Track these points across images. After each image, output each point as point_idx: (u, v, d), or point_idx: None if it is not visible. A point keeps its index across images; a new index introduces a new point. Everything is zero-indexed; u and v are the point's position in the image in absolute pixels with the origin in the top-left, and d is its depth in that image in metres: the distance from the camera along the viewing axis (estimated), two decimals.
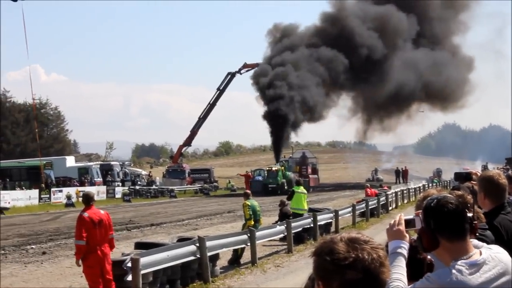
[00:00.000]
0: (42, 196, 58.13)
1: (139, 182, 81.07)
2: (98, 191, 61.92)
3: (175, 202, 63.08)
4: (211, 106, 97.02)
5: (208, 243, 17.67)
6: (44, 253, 24.93)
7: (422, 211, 4.04)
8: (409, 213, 4.49)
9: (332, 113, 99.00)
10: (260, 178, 74.37)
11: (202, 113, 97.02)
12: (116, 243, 22.46)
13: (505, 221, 6.03)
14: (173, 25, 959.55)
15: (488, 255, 3.87)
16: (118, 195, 67.53)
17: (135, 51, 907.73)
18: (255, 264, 20.54)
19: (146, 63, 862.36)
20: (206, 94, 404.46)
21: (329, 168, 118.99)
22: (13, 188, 60.05)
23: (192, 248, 17.13)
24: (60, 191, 60.90)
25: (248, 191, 23.93)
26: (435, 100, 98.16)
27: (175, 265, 16.41)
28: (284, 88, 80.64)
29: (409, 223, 4.09)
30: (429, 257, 4.06)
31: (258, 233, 21.10)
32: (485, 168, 55.17)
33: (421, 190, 52.66)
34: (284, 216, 26.21)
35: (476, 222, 4.08)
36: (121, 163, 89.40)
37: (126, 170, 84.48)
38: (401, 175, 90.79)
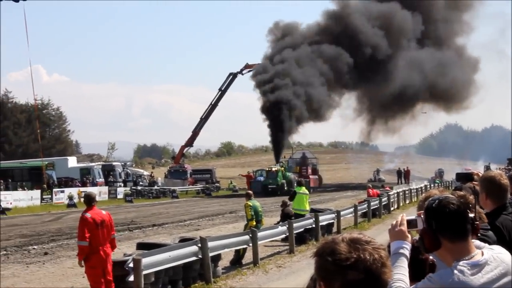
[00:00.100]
0: (44, 196, 58.17)
1: (141, 183, 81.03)
2: (100, 192, 61.98)
3: (177, 202, 63.08)
4: (213, 106, 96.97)
5: (210, 244, 17.67)
6: (46, 253, 24.94)
7: (423, 211, 4.04)
8: (411, 213, 4.49)
9: (334, 113, 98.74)
10: (261, 178, 74.07)
11: (204, 113, 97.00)
12: (118, 244, 22.48)
13: (507, 222, 6.03)
14: (175, 26, 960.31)
15: (490, 255, 3.86)
16: (120, 196, 67.54)
17: (137, 51, 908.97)
18: (257, 265, 20.54)
19: (148, 64, 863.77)
20: (208, 94, 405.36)
21: (331, 168, 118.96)
22: (15, 189, 60.11)
23: (194, 248, 17.13)
24: (62, 191, 60.95)
25: (250, 192, 23.92)
26: (440, 100, 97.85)
27: (177, 266, 16.42)
28: (288, 85, 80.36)
29: (411, 224, 4.09)
30: (431, 257, 4.06)
31: (260, 234, 21.10)
32: (487, 168, 55.06)
33: (423, 191, 52.63)
34: (286, 217, 26.20)
35: (478, 222, 4.08)
36: (123, 163, 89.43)
37: (128, 170, 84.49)
38: (403, 175, 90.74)
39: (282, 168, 74.55)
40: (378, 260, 3.06)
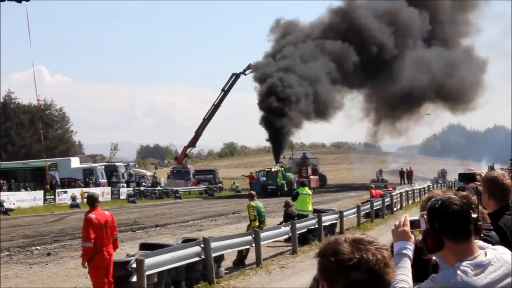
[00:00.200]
0: (47, 197, 58.20)
1: (143, 183, 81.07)
2: (102, 192, 62.03)
3: (180, 203, 63.12)
4: (215, 107, 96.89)
5: (213, 244, 17.67)
6: (49, 254, 24.95)
7: (426, 212, 4.04)
8: (414, 214, 4.50)
9: (337, 113, 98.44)
10: (263, 179, 73.91)
11: (207, 114, 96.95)
12: (121, 244, 22.48)
13: (510, 222, 6.02)
14: (178, 26, 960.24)
15: (493, 256, 3.86)
16: (123, 196, 67.59)
17: (140, 52, 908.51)
18: (260, 265, 20.54)
19: (151, 64, 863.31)
20: (211, 95, 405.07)
21: (333, 169, 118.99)
22: (18, 189, 60.10)
23: (197, 249, 17.13)
24: (65, 192, 60.97)
25: (253, 192, 23.89)
26: (447, 101, 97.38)
27: (180, 266, 16.41)
28: (290, 80, 79.86)
29: (414, 224, 4.09)
30: (434, 258, 4.05)
31: (262, 234, 21.10)
32: (491, 168, 54.99)
33: (426, 191, 52.64)
34: (289, 217, 26.21)
35: (481, 223, 4.07)
36: (125, 164, 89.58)
37: (131, 171, 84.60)
38: (406, 176, 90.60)
39: (282, 169, 74.02)
40: (381, 261, 3.07)
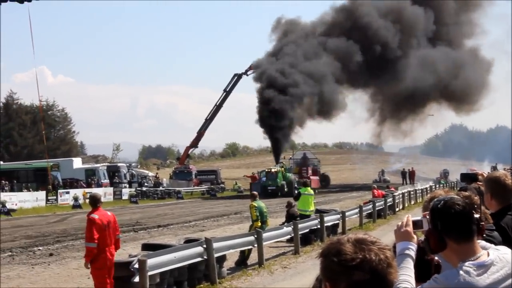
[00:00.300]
0: (49, 197, 58.20)
1: (146, 184, 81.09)
2: (105, 193, 62.04)
3: (182, 203, 63.15)
4: (217, 107, 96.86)
5: (215, 245, 17.68)
6: (51, 254, 24.97)
7: (429, 212, 4.04)
8: (416, 214, 4.50)
9: (340, 113, 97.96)
10: (265, 179, 73.39)
11: (209, 114, 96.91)
12: (123, 245, 22.49)
13: None
14: (179, 26, 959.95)
15: (496, 256, 3.86)
16: (125, 197, 67.57)
17: (141, 52, 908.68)
18: (262, 265, 20.56)
19: (153, 65, 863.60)
20: (213, 95, 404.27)
21: (336, 169, 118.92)
22: (20, 190, 60.13)
23: (199, 249, 17.14)
24: (67, 192, 60.99)
25: (255, 193, 23.92)
26: (452, 101, 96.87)
27: (182, 267, 16.43)
28: (292, 78, 79.38)
29: (416, 225, 4.08)
30: (436, 258, 4.05)
31: (265, 235, 21.12)
32: (494, 168, 54.88)
33: (428, 191, 52.62)
34: (291, 217, 26.21)
35: (483, 223, 4.08)
36: (128, 164, 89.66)
37: (133, 171, 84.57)
38: (408, 176, 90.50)
39: (282, 169, 73.13)
40: (383, 261, 3.07)
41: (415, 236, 4.06)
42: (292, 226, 23.69)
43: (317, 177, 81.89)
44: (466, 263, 3.78)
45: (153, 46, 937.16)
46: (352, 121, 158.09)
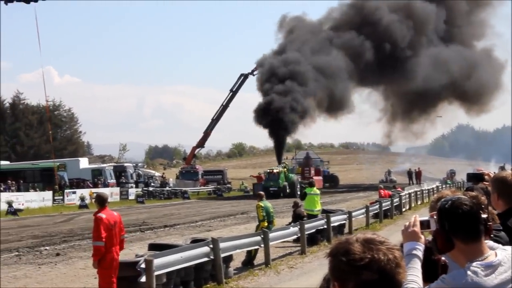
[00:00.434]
0: (55, 197, 58.28)
1: (152, 184, 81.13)
2: (111, 193, 62.04)
3: (189, 203, 63.18)
4: (224, 107, 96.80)
5: (222, 245, 17.69)
6: (58, 254, 24.99)
7: (436, 212, 4.03)
8: (423, 214, 4.50)
9: (349, 112, 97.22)
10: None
11: (215, 114, 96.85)
12: (130, 245, 22.53)
13: None
14: (185, 26, 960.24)
15: (504, 256, 3.86)
16: (132, 197, 67.63)
17: (148, 52, 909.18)
18: (269, 266, 20.56)
19: (159, 65, 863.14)
20: (219, 95, 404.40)
21: (342, 169, 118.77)
22: (27, 190, 60.22)
23: (206, 249, 17.15)
24: (74, 192, 61.07)
25: (262, 193, 23.94)
26: (465, 102, 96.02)
27: (188, 267, 16.43)
28: (297, 75, 78.28)
29: (424, 225, 4.08)
30: (443, 258, 4.05)
31: (271, 235, 21.12)
32: (502, 168, 54.74)
33: (435, 192, 52.56)
34: (298, 217, 26.21)
35: (491, 223, 4.07)
36: (134, 164, 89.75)
37: (140, 171, 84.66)
38: (415, 176, 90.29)
39: (285, 170, 72.20)
40: (392, 261, 3.07)
41: (422, 236, 4.05)
42: (299, 226, 23.69)
43: (320, 177, 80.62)
44: (474, 263, 3.77)
45: (159, 46, 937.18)
46: (359, 121, 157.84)
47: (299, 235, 23.86)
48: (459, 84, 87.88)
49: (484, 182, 8.08)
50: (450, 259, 4.02)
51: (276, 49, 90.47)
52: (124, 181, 75.60)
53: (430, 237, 4.09)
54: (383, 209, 36.77)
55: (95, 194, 17.85)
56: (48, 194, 58.35)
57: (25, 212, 49.71)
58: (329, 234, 26.63)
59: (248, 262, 21.18)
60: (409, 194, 48.18)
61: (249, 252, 21.07)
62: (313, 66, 79.69)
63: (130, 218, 40.19)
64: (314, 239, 26.14)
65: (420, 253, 3.95)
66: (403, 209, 43.35)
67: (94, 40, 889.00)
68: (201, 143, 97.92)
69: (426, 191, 57.80)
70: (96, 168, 77.19)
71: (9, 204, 49.14)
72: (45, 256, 24.63)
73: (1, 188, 56.86)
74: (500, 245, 4.07)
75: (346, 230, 29.96)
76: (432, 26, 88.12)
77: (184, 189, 75.04)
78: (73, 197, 59.76)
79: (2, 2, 41.56)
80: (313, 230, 25.68)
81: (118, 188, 70.18)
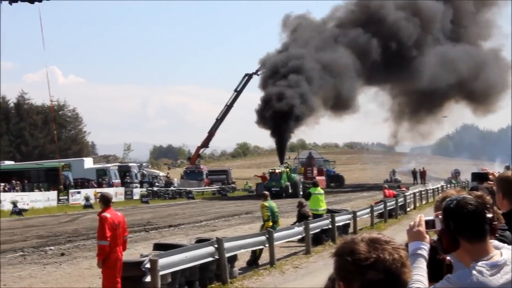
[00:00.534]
0: (60, 197, 58.39)
1: (157, 184, 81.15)
2: (116, 193, 62.08)
3: (193, 203, 63.19)
4: (228, 107, 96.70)
5: (226, 244, 17.68)
6: (62, 254, 25.01)
7: (442, 212, 4.03)
8: (428, 214, 4.49)
9: (355, 111, 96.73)
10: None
11: (220, 114, 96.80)
12: (135, 244, 22.54)
13: None
14: (190, 26, 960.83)
15: (509, 256, 3.85)
16: (136, 197, 67.73)
17: (152, 52, 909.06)
18: (274, 265, 20.56)
19: (163, 65, 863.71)
20: (224, 95, 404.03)
21: (347, 169, 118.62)
22: (32, 190, 60.26)
23: (211, 249, 17.15)
24: (78, 192, 61.17)
25: (266, 192, 23.96)
26: (473, 102, 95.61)
27: (193, 266, 16.43)
28: (302, 72, 77.34)
29: (429, 224, 4.08)
30: (448, 258, 4.05)
31: (276, 234, 21.11)
32: (508, 168, 54.60)
33: (439, 191, 52.49)
34: (302, 217, 26.22)
35: (496, 222, 4.07)
36: (139, 164, 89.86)
37: (144, 171, 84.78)
38: (419, 176, 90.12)
39: (287, 170, 71.83)
40: (398, 260, 3.07)
41: (427, 236, 4.05)
42: (303, 226, 23.68)
43: (323, 177, 79.61)
44: (479, 263, 3.77)
45: (163, 46, 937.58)
46: (363, 120, 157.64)
47: (303, 235, 23.85)
48: (466, 83, 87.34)
49: (489, 182, 8.07)
50: (455, 258, 4.02)
51: (280, 48, 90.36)
52: (128, 181, 75.61)
53: (435, 237, 4.09)
54: (388, 208, 36.75)
55: (99, 194, 17.83)
56: (53, 194, 58.45)
57: (30, 212, 49.78)
58: (334, 234, 26.63)
59: (253, 262, 21.17)
60: (414, 193, 48.09)
61: (254, 252, 21.06)
62: (318, 63, 78.95)
63: (134, 218, 40.22)
64: (319, 239, 26.11)
65: (425, 253, 3.95)
66: (408, 209, 43.28)
67: (98, 40, 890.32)
68: (205, 143, 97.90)
69: (431, 191, 57.72)
70: (100, 168, 77.30)
71: (14, 204, 49.24)
72: (50, 256, 24.66)
73: (6, 188, 56.95)
74: (505, 245, 4.06)
75: (351, 230, 29.93)
76: (438, 24, 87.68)
77: (188, 189, 75.11)
78: (77, 197, 59.86)
79: (7, 2, 41.68)
80: (318, 230, 25.65)
81: (123, 188, 70.26)
